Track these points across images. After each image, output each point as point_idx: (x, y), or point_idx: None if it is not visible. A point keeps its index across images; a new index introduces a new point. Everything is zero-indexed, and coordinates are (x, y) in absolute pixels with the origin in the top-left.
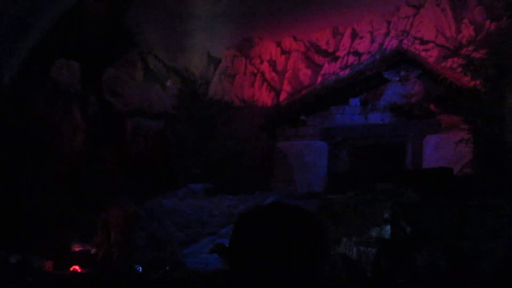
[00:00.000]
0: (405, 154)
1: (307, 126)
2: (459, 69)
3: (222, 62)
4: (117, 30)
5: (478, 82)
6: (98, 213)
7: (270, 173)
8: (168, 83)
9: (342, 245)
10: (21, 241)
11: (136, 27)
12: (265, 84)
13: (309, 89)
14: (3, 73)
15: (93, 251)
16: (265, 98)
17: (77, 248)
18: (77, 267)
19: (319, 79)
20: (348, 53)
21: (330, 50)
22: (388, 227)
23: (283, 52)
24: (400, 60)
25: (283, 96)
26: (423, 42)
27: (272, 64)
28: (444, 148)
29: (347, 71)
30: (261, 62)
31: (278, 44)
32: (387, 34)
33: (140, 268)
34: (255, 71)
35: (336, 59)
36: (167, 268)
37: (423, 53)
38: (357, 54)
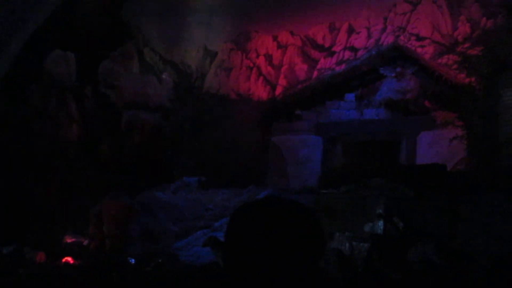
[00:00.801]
0: (399, 150)
1: (302, 120)
2: (455, 66)
3: (219, 56)
4: (114, 23)
5: (473, 79)
6: (92, 205)
7: (264, 167)
8: (164, 76)
9: (335, 239)
10: (14, 232)
11: (133, 19)
12: (261, 78)
13: (305, 83)
14: None
15: (85, 242)
16: (260, 92)
17: (69, 239)
18: (69, 259)
19: (315, 74)
20: (344, 49)
21: (327, 45)
22: (381, 223)
23: (280, 46)
24: (396, 56)
25: (278, 90)
26: (419, 38)
27: (268, 58)
28: (439, 144)
29: (343, 66)
30: (257, 56)
31: (275, 39)
32: (383, 30)
33: (133, 260)
34: (251, 65)
35: (332, 54)
36: (160, 260)
37: (419, 50)
38: (353, 49)
